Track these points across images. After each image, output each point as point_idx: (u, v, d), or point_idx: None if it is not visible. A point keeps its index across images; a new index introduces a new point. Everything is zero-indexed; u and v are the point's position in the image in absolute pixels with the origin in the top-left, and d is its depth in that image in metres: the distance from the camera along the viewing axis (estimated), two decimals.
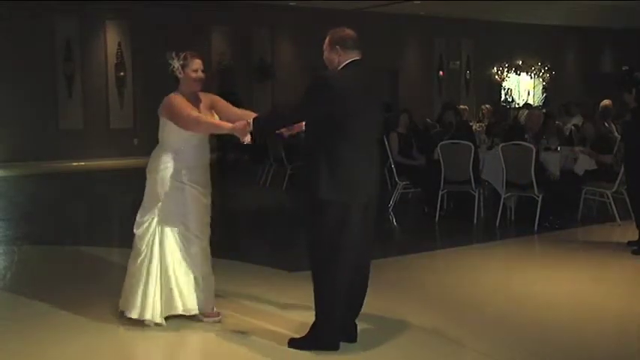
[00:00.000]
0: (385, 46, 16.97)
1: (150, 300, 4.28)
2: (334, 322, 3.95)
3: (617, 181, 7.52)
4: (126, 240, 7.83)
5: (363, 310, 4.16)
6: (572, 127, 11.02)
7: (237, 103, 4.96)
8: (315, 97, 3.87)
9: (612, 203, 7.82)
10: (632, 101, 6.72)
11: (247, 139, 4.08)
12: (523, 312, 4.84)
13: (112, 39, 14.73)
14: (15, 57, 13.57)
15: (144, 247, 4.36)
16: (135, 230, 4.45)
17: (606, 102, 11.10)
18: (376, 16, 16.54)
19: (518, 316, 4.76)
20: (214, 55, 15.34)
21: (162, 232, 4.34)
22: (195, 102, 4.39)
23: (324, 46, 4.02)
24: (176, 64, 4.44)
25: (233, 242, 7.19)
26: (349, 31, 4.00)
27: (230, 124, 4.21)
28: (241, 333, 4.29)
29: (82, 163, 13.84)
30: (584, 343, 4.29)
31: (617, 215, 7.75)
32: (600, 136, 8.29)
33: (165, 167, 4.34)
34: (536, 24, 18.99)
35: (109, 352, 4.10)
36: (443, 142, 8.03)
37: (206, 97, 4.51)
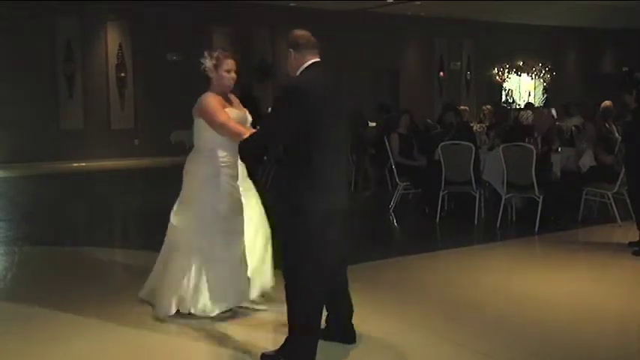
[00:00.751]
0: (386, 47, 16.99)
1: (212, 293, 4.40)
2: (316, 334, 3.76)
3: (618, 182, 7.51)
4: (126, 240, 7.88)
5: (363, 310, 4.16)
6: (573, 128, 11.02)
7: (256, 106, 5.00)
8: (282, 109, 3.75)
9: (613, 204, 7.81)
10: (633, 102, 6.73)
11: None
12: (523, 312, 4.84)
13: (112, 39, 14.74)
14: (15, 57, 13.58)
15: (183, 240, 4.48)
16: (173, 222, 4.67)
17: (607, 103, 11.10)
18: (376, 17, 16.54)
19: (518, 316, 4.76)
20: None
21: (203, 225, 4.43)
22: (227, 102, 4.48)
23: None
24: (208, 63, 4.46)
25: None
26: (300, 32, 3.85)
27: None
28: (242, 334, 4.29)
29: (83, 164, 13.84)
30: (585, 344, 4.29)
31: (617, 216, 7.75)
32: (601, 136, 8.29)
33: (204, 166, 4.46)
34: (536, 24, 19.00)
35: (111, 352, 4.10)
36: (443, 143, 8.03)
37: (235, 99, 4.58)
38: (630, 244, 6.67)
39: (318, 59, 3.83)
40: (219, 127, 4.34)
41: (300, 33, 3.85)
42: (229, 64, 4.42)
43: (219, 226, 4.43)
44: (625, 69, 19.78)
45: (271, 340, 4.14)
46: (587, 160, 7.87)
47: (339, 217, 3.78)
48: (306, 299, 3.71)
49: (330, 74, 3.86)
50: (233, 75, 4.41)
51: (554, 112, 10.93)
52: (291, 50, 3.82)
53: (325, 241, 3.70)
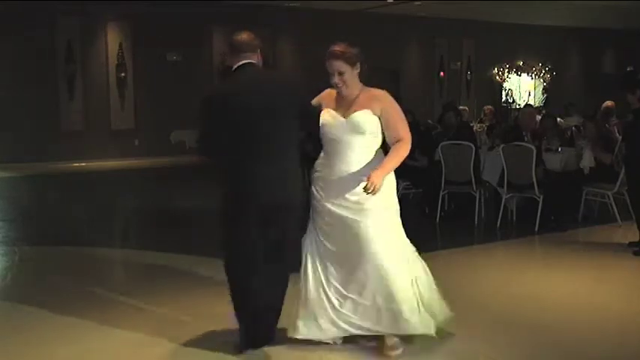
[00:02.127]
0: (386, 47, 16.97)
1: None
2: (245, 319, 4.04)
3: (618, 182, 7.51)
4: (127, 240, 7.88)
5: None
6: (573, 128, 11.02)
7: None
8: (204, 117, 3.93)
9: (613, 204, 7.81)
10: (636, 102, 6.71)
11: None
12: (523, 312, 4.84)
13: (113, 40, 14.73)
14: (16, 57, 13.57)
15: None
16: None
17: (608, 103, 11.10)
18: (377, 17, 16.54)
19: (518, 316, 4.76)
20: (215, 55, 15.33)
21: None
22: (346, 107, 3.98)
23: None
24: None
25: None
26: (238, 36, 4.01)
27: None
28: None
29: (83, 164, 13.84)
30: (585, 344, 4.29)
31: (617, 216, 7.75)
32: (601, 136, 8.29)
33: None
34: (536, 25, 18.99)
35: (111, 352, 4.10)
36: (444, 143, 8.03)
37: (372, 99, 4.06)
38: (630, 244, 6.67)
39: (249, 60, 3.96)
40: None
41: (237, 38, 4.02)
42: (330, 65, 3.94)
43: None
44: (629, 69, 19.74)
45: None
46: (586, 162, 7.87)
47: (273, 215, 3.87)
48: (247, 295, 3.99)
49: (259, 74, 4.01)
50: (336, 80, 3.95)
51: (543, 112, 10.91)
52: (228, 53, 4.07)
53: (242, 237, 3.87)
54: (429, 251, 6.76)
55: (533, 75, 19.62)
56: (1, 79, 13.58)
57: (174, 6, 14.26)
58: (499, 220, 7.76)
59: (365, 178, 3.81)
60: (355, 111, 3.89)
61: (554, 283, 5.60)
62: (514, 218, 8.06)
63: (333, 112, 3.94)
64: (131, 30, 14.70)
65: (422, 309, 4.00)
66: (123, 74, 14.79)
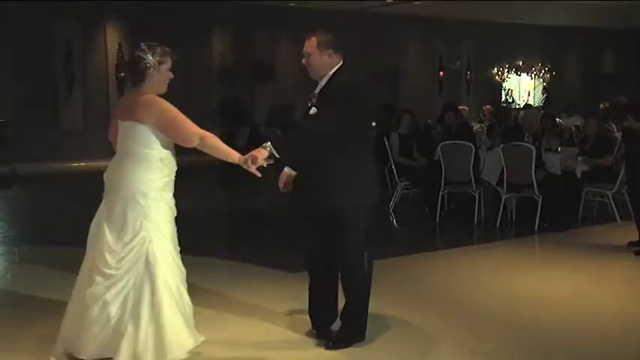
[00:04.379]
0: (386, 47, 16.98)
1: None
2: (367, 314, 4.14)
3: (618, 182, 7.52)
4: None
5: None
6: (573, 128, 11.03)
7: None
8: (350, 105, 3.83)
9: (612, 204, 7.82)
10: (634, 123, 6.62)
11: (257, 172, 3.77)
12: (523, 312, 4.84)
13: (112, 40, 14.72)
14: (15, 57, 13.56)
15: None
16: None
17: (606, 104, 11.13)
18: (377, 17, 16.54)
19: (518, 316, 4.76)
20: (215, 55, 15.33)
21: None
22: None
23: (310, 49, 3.94)
24: (151, 59, 3.91)
25: (234, 243, 7.19)
26: (334, 34, 3.99)
27: (237, 156, 3.80)
28: (243, 334, 4.29)
29: (82, 164, 13.83)
30: (585, 344, 4.29)
31: (617, 216, 7.75)
32: (601, 136, 8.29)
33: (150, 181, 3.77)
34: (536, 24, 18.99)
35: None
36: (443, 143, 8.03)
37: None
38: (630, 244, 6.66)
39: (343, 61, 4.00)
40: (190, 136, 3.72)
41: (337, 36, 3.98)
42: (170, 62, 3.93)
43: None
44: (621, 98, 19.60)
45: (270, 345, 4.13)
46: (581, 167, 7.88)
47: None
48: (368, 281, 4.11)
49: (355, 75, 4.05)
50: (171, 75, 3.92)
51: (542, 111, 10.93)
52: (330, 50, 3.92)
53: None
54: (429, 251, 6.80)
55: (532, 75, 19.62)
56: (1, 79, 13.56)
57: (174, 6, 14.26)
58: (499, 219, 7.76)
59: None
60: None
61: (554, 283, 5.60)
62: (513, 218, 8.07)
63: None
64: (130, 30, 14.69)
65: None
66: (122, 74, 14.78)
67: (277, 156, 3.78)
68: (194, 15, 14.63)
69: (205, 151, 3.81)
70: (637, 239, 6.59)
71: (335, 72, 3.96)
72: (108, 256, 3.71)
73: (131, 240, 3.68)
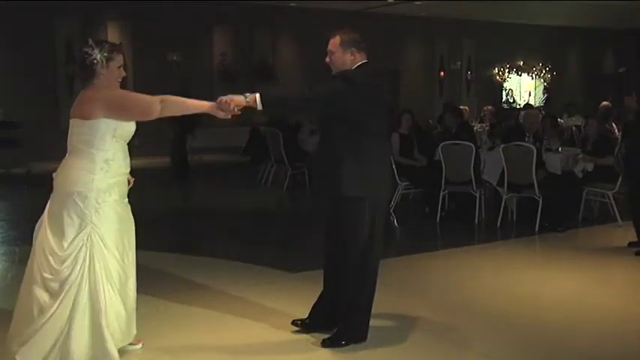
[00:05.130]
0: (386, 47, 16.96)
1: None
2: (369, 310, 4.17)
3: (618, 182, 7.51)
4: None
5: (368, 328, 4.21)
6: (574, 128, 11.03)
7: None
8: (340, 90, 3.89)
9: (613, 204, 7.81)
10: (634, 104, 6.70)
11: (227, 115, 3.76)
12: (524, 312, 4.84)
13: (113, 39, 14.68)
14: (16, 57, 13.57)
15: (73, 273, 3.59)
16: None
17: (605, 103, 11.13)
18: (377, 17, 16.54)
19: (518, 316, 4.76)
20: (216, 55, 15.33)
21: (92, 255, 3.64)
22: None
23: (334, 47, 4.03)
24: (98, 55, 3.69)
25: (234, 243, 7.18)
26: (358, 34, 4.08)
27: (207, 104, 3.76)
28: (243, 334, 4.29)
29: None
30: (585, 344, 4.30)
31: (618, 216, 7.75)
32: (601, 136, 8.29)
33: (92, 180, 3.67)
34: (537, 24, 18.99)
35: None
36: (444, 143, 8.03)
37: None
38: (630, 244, 6.66)
39: (366, 60, 4.07)
40: (155, 109, 3.69)
41: (360, 36, 4.06)
42: (121, 59, 3.76)
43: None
44: (621, 69, 19.77)
45: (270, 344, 4.13)
46: (581, 167, 7.87)
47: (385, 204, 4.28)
48: (371, 277, 4.13)
49: (376, 74, 4.14)
50: (123, 72, 3.77)
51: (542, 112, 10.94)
52: (353, 49, 4.00)
53: (376, 226, 4.10)
54: (430, 251, 6.80)
55: (533, 75, 19.62)
56: (2, 79, 13.57)
57: (175, 5, 14.26)
58: (499, 220, 7.76)
59: None
60: None
61: (554, 283, 5.60)
62: (514, 218, 8.07)
63: None
64: (131, 30, 14.69)
65: None
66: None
67: (260, 108, 3.79)
68: (195, 15, 14.63)
69: (173, 113, 3.75)
70: (636, 239, 6.59)
71: (355, 68, 4.05)
72: (50, 259, 3.60)
73: (70, 243, 3.58)
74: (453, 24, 18.02)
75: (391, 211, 8.53)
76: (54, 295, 3.57)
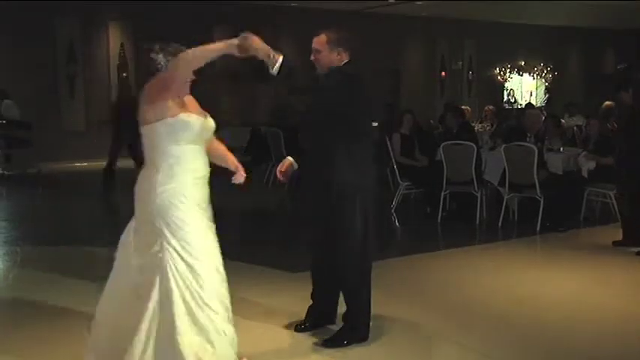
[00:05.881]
0: (387, 47, 16.98)
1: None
2: (369, 310, 4.15)
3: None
4: None
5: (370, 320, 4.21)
6: (575, 128, 11.02)
7: None
8: (341, 84, 3.92)
9: (615, 204, 7.80)
10: (629, 99, 6.72)
11: (276, 66, 3.66)
12: (524, 312, 4.83)
13: (114, 40, 14.74)
14: (17, 57, 13.58)
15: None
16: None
17: (608, 103, 11.11)
18: (378, 17, 16.54)
19: (519, 316, 4.75)
20: None
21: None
22: (185, 109, 3.47)
23: (320, 46, 4.03)
24: (162, 60, 3.55)
25: (234, 243, 7.18)
26: (344, 33, 4.09)
27: (227, 42, 3.46)
28: (243, 334, 4.29)
29: (85, 164, 13.84)
30: (586, 344, 4.29)
31: (619, 216, 7.73)
32: (603, 136, 8.28)
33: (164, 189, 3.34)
34: (538, 24, 18.99)
35: None
36: (445, 143, 8.03)
37: (193, 102, 3.61)
38: (614, 243, 6.71)
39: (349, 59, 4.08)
40: (186, 64, 3.49)
41: (349, 35, 4.08)
42: None
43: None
44: (620, 66, 19.78)
45: (270, 344, 4.13)
46: (584, 166, 7.86)
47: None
48: (369, 276, 4.13)
49: (363, 71, 4.16)
50: (192, 76, 3.60)
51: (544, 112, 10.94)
52: (340, 48, 4.01)
53: (369, 219, 4.11)
54: (431, 251, 6.80)
55: (534, 75, 19.61)
56: (3, 79, 13.57)
57: (176, 6, 14.27)
58: (500, 220, 7.75)
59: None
60: (205, 115, 3.54)
61: (555, 283, 5.59)
62: (515, 218, 8.06)
63: (195, 115, 3.46)
64: (133, 30, 14.70)
65: None
66: (124, 74, 14.79)
67: (275, 71, 3.73)
68: (196, 15, 14.64)
69: (200, 60, 3.51)
70: (636, 239, 6.63)
71: (343, 66, 4.05)
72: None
73: None
74: (453, 24, 18.01)
75: (392, 211, 8.54)
76: None
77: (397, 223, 8.24)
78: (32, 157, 12.37)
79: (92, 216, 9.10)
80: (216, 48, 3.48)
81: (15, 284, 5.64)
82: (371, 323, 4.20)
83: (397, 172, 8.55)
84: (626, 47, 20.27)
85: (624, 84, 6.79)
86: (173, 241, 3.29)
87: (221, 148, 3.75)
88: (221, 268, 3.53)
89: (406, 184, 8.52)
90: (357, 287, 4.11)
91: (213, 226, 3.52)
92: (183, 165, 3.35)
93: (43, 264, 6.21)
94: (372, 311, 4.24)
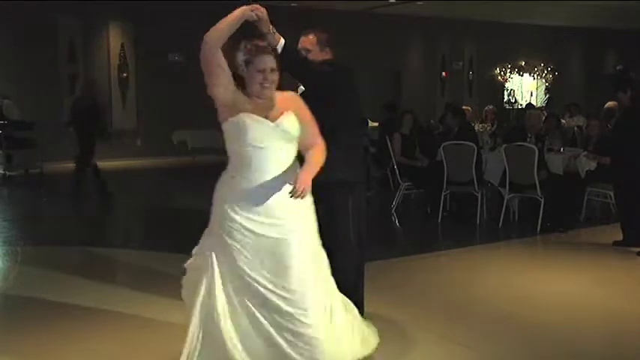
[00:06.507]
0: (388, 47, 16.97)
1: None
2: (362, 298, 4.14)
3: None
4: (130, 240, 7.88)
5: (364, 310, 4.16)
6: (576, 128, 11.02)
7: None
8: (330, 72, 4.00)
9: (615, 204, 7.80)
10: (627, 100, 6.73)
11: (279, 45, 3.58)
12: (525, 312, 4.83)
13: (114, 40, 14.74)
14: (18, 57, 13.58)
15: None
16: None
17: (610, 103, 11.10)
18: (379, 17, 16.54)
19: (520, 316, 4.75)
20: None
21: None
22: (266, 110, 3.33)
23: (311, 45, 4.15)
24: (242, 58, 3.39)
25: None
26: (329, 32, 4.25)
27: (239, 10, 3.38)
28: None
29: None
30: (587, 344, 4.29)
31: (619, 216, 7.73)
32: (603, 136, 8.28)
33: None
34: (538, 24, 18.98)
35: (110, 352, 4.10)
36: (446, 143, 8.03)
37: (287, 101, 3.42)
38: (615, 243, 6.71)
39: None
40: (206, 48, 3.46)
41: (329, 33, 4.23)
42: (264, 62, 3.33)
43: None
44: (619, 67, 19.79)
45: None
46: (583, 166, 7.86)
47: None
48: (362, 269, 4.18)
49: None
50: (269, 76, 3.32)
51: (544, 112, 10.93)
52: (327, 49, 4.16)
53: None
54: (431, 251, 6.80)
55: (535, 75, 19.61)
56: (3, 79, 13.58)
57: (177, 6, 14.27)
58: (501, 220, 7.75)
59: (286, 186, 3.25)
60: (282, 114, 3.33)
61: (556, 284, 5.59)
62: (516, 218, 8.06)
63: (256, 116, 3.30)
64: (133, 30, 14.70)
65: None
66: (125, 74, 14.80)
67: (278, 47, 3.61)
68: (196, 15, 14.63)
69: (220, 35, 3.41)
70: (622, 238, 6.65)
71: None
72: None
73: None
74: (454, 24, 18.01)
75: (393, 211, 8.54)
76: None
77: (397, 223, 8.24)
78: (34, 157, 12.37)
79: (91, 216, 9.10)
80: (232, 18, 3.38)
81: (15, 285, 5.64)
82: (370, 323, 4.19)
83: (397, 172, 8.55)
84: (627, 47, 20.26)
85: (622, 85, 6.80)
86: None
87: (308, 157, 3.40)
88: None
89: (406, 184, 8.52)
90: (354, 288, 4.08)
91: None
92: (253, 167, 3.27)
93: (43, 264, 6.22)
94: (372, 311, 4.23)
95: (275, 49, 3.49)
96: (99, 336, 4.32)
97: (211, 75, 3.40)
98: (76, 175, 9.98)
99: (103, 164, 14.06)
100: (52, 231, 7.84)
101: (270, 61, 3.33)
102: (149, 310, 4.72)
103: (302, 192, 3.17)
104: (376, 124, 11.62)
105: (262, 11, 3.54)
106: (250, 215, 3.25)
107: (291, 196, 3.17)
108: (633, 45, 19.90)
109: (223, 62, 3.38)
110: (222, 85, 3.37)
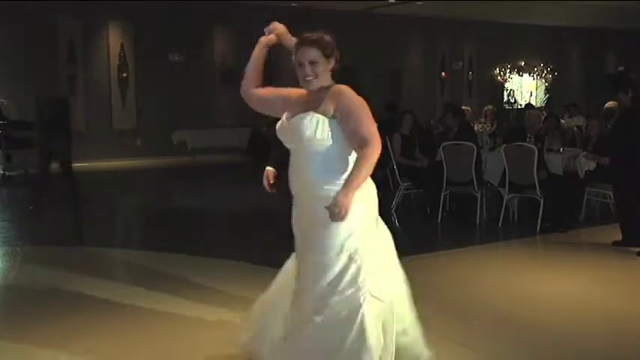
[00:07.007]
0: (388, 47, 16.98)
1: None
2: None
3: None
4: (129, 240, 7.88)
5: None
6: (575, 128, 11.02)
7: None
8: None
9: (614, 204, 7.80)
10: (628, 101, 6.74)
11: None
12: (524, 312, 4.83)
13: (114, 40, 14.74)
14: (17, 58, 13.58)
15: None
16: None
17: (610, 103, 11.11)
18: (378, 17, 16.54)
19: (519, 316, 4.75)
20: (217, 55, 15.33)
21: None
22: (314, 105, 3.20)
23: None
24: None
25: (236, 243, 7.18)
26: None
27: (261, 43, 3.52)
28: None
29: (85, 164, 13.83)
30: (587, 344, 4.29)
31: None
32: (603, 136, 8.29)
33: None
34: (538, 25, 18.99)
35: (111, 352, 4.10)
36: (445, 143, 8.03)
37: (333, 96, 3.20)
38: (613, 242, 6.71)
39: None
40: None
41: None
42: (300, 56, 3.21)
43: None
44: (620, 68, 19.80)
45: None
46: (582, 166, 7.86)
47: None
48: None
49: None
50: (306, 72, 3.20)
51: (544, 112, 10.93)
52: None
53: None
54: (431, 251, 6.80)
55: (535, 75, 19.61)
56: (3, 80, 13.58)
57: (176, 6, 14.27)
58: (500, 220, 7.75)
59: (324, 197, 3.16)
60: (319, 110, 3.19)
61: (556, 284, 5.59)
62: (516, 218, 8.06)
63: (284, 116, 3.31)
64: (133, 30, 14.70)
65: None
66: (124, 74, 14.80)
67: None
68: (196, 16, 14.64)
69: (249, 78, 3.63)
70: (621, 238, 6.65)
71: None
72: None
73: None
74: (454, 24, 18.01)
75: (392, 211, 8.54)
76: None
77: (397, 224, 8.23)
78: (34, 158, 12.36)
79: (91, 216, 9.09)
80: (251, 59, 3.55)
81: (15, 284, 5.64)
82: None
83: (397, 173, 8.55)
84: (627, 47, 20.26)
85: (623, 85, 6.80)
86: None
87: (350, 171, 3.22)
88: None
89: (406, 184, 8.52)
90: None
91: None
92: (290, 166, 3.43)
93: (43, 264, 6.22)
94: None
95: (320, 39, 3.22)
96: (99, 336, 4.32)
97: (265, 111, 3.58)
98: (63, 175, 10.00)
99: (102, 164, 14.10)
100: (52, 231, 7.84)
101: (309, 53, 3.17)
102: (149, 310, 4.72)
103: (338, 214, 3.03)
104: (376, 124, 11.60)
105: (278, 27, 3.52)
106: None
107: (330, 217, 3.05)
108: (633, 45, 19.90)
109: (264, 95, 3.54)
110: (279, 110, 3.46)
